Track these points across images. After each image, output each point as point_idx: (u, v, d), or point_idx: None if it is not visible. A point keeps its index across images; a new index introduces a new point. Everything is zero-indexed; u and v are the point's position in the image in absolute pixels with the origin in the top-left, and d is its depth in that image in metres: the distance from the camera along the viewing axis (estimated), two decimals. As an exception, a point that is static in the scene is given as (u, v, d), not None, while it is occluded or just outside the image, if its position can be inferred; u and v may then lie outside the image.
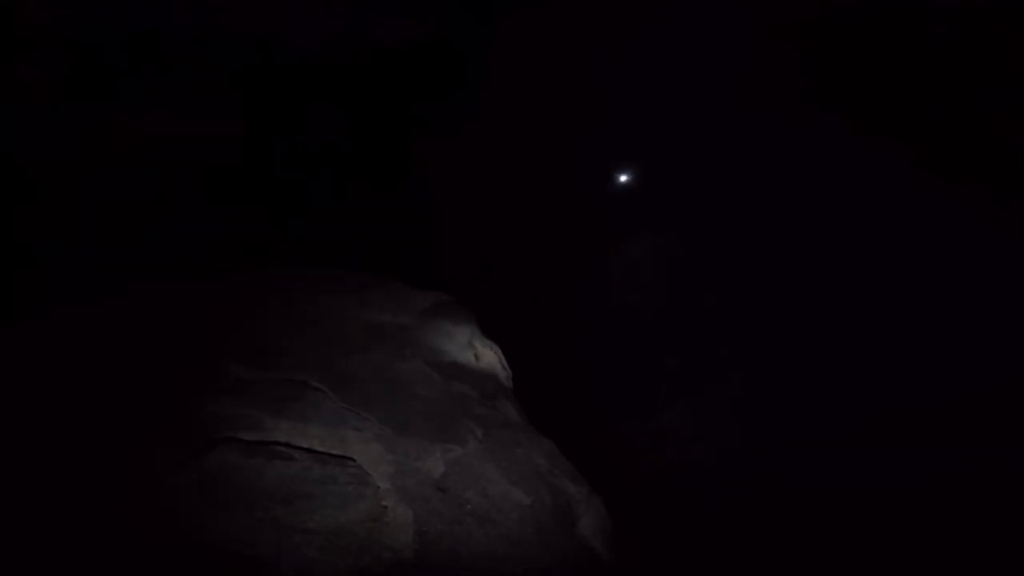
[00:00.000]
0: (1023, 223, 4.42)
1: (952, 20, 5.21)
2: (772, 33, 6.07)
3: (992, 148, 4.83)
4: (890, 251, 4.79)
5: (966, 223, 4.64)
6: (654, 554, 3.51)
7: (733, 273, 5.12)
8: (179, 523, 2.30)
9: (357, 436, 3.16)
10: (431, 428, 3.43)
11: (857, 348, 4.37)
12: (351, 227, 7.59)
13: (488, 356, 4.83)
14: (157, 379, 3.44)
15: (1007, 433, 3.89)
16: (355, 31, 7.81)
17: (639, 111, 6.83)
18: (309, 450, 2.95)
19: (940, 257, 4.52)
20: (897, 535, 3.78)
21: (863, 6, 5.66)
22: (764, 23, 6.13)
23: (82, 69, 6.48)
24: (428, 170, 8.13)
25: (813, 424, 4.21)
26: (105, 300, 4.55)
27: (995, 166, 4.70)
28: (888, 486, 3.88)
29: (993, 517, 3.62)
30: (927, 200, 4.87)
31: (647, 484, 4.43)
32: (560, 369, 5.46)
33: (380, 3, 7.75)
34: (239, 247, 6.51)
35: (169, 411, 3.08)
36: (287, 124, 8.00)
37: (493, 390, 4.35)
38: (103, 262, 5.43)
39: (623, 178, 7.34)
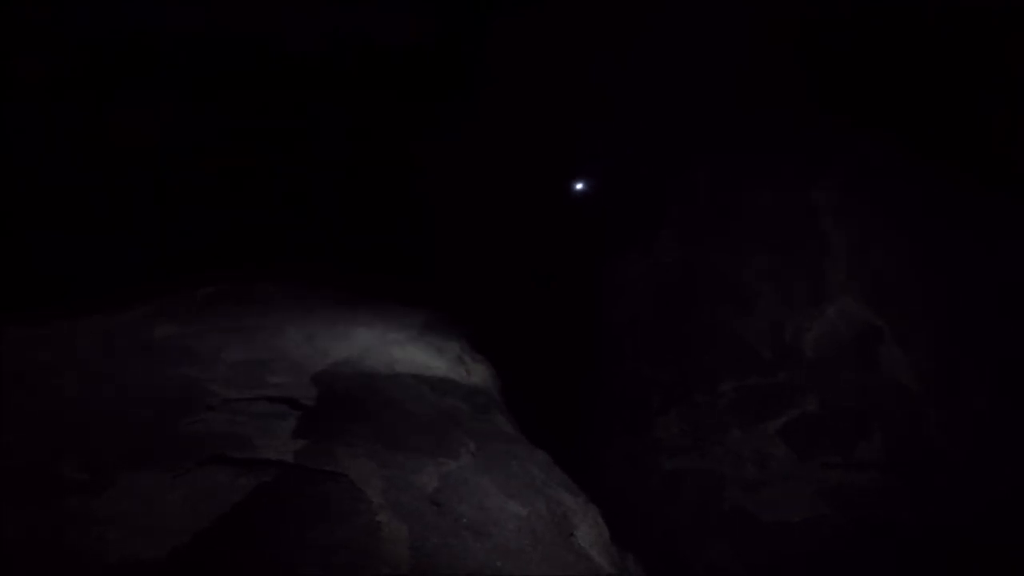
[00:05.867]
0: (1023, 222, 4.41)
1: (952, 20, 5.20)
2: (772, 32, 6.06)
3: (992, 148, 4.81)
4: (891, 250, 4.78)
5: (966, 222, 4.62)
6: (653, 564, 3.49)
7: (725, 280, 5.10)
8: (172, 544, 2.28)
9: (348, 452, 3.15)
10: (423, 443, 3.43)
11: (853, 347, 4.35)
12: (351, 227, 7.60)
13: (479, 370, 4.84)
14: (141, 397, 3.43)
15: (1008, 437, 3.89)
16: (355, 31, 7.81)
17: (639, 110, 6.83)
18: (300, 467, 2.94)
19: (940, 256, 4.50)
20: (890, 528, 3.76)
21: (863, 6, 5.65)
22: (764, 23, 6.13)
23: (82, 68, 6.49)
24: (428, 170, 8.13)
25: (808, 427, 4.20)
26: (90, 310, 4.57)
27: (995, 166, 4.69)
28: (882, 487, 3.85)
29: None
30: (927, 200, 4.86)
31: (643, 494, 4.42)
32: (552, 381, 5.45)
33: (380, 3, 7.75)
34: (238, 247, 6.51)
35: (156, 431, 3.07)
36: (287, 124, 8.00)
37: (485, 404, 4.35)
38: (101, 260, 5.43)
39: (579, 186, 7.42)
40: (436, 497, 2.96)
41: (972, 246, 4.53)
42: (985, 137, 4.94)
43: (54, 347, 4.01)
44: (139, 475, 2.67)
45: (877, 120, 5.33)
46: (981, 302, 4.21)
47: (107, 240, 5.88)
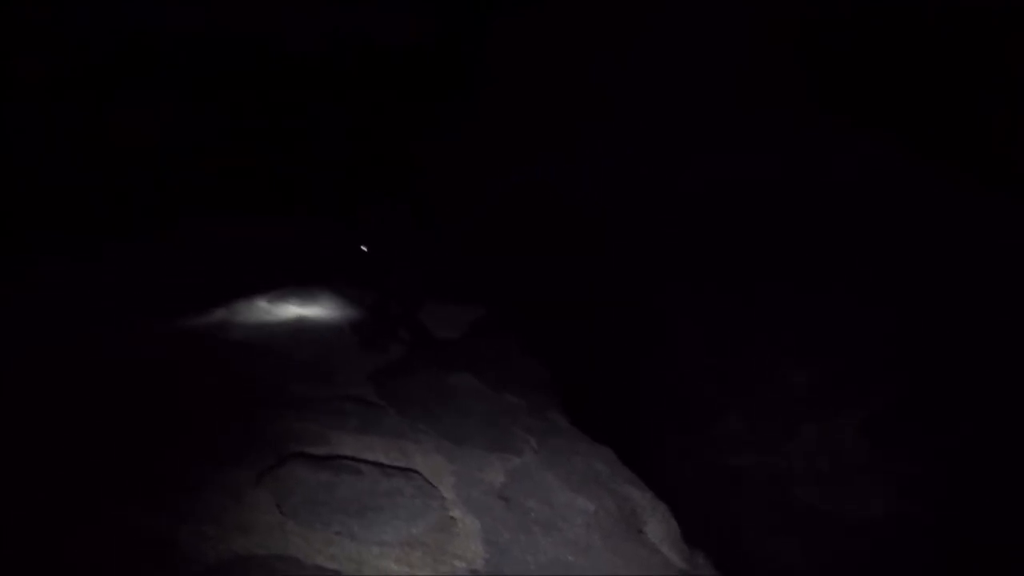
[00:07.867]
0: (1023, 222, 4.41)
1: (952, 20, 5.20)
2: (772, 32, 6.06)
3: (992, 148, 4.81)
4: (893, 248, 4.78)
5: (966, 222, 4.62)
6: (726, 561, 3.49)
7: (759, 273, 4.97)
8: (261, 539, 2.36)
9: (418, 448, 3.28)
10: (487, 439, 3.55)
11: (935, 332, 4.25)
12: (351, 227, 7.60)
13: (534, 369, 4.94)
14: (218, 400, 3.56)
15: (1011, 435, 3.87)
16: (355, 31, 7.82)
17: (639, 110, 6.82)
18: (375, 463, 3.05)
19: (940, 254, 4.50)
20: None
21: (863, 6, 5.65)
22: (764, 23, 6.12)
23: (82, 68, 6.49)
24: (428, 170, 8.13)
25: (891, 419, 4.05)
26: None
27: (995, 166, 4.69)
28: (969, 492, 3.72)
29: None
30: (927, 200, 4.86)
31: (705, 491, 4.28)
32: (604, 376, 5.41)
33: (380, 3, 7.76)
34: (239, 246, 6.51)
35: (237, 428, 3.19)
36: (287, 124, 8.00)
37: (543, 402, 4.44)
38: (98, 260, 5.43)
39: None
40: (504, 492, 3.04)
41: (971, 243, 4.53)
42: (985, 137, 4.94)
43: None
44: (223, 469, 2.78)
45: (877, 120, 5.32)
46: (980, 295, 4.20)
47: (107, 240, 5.89)
